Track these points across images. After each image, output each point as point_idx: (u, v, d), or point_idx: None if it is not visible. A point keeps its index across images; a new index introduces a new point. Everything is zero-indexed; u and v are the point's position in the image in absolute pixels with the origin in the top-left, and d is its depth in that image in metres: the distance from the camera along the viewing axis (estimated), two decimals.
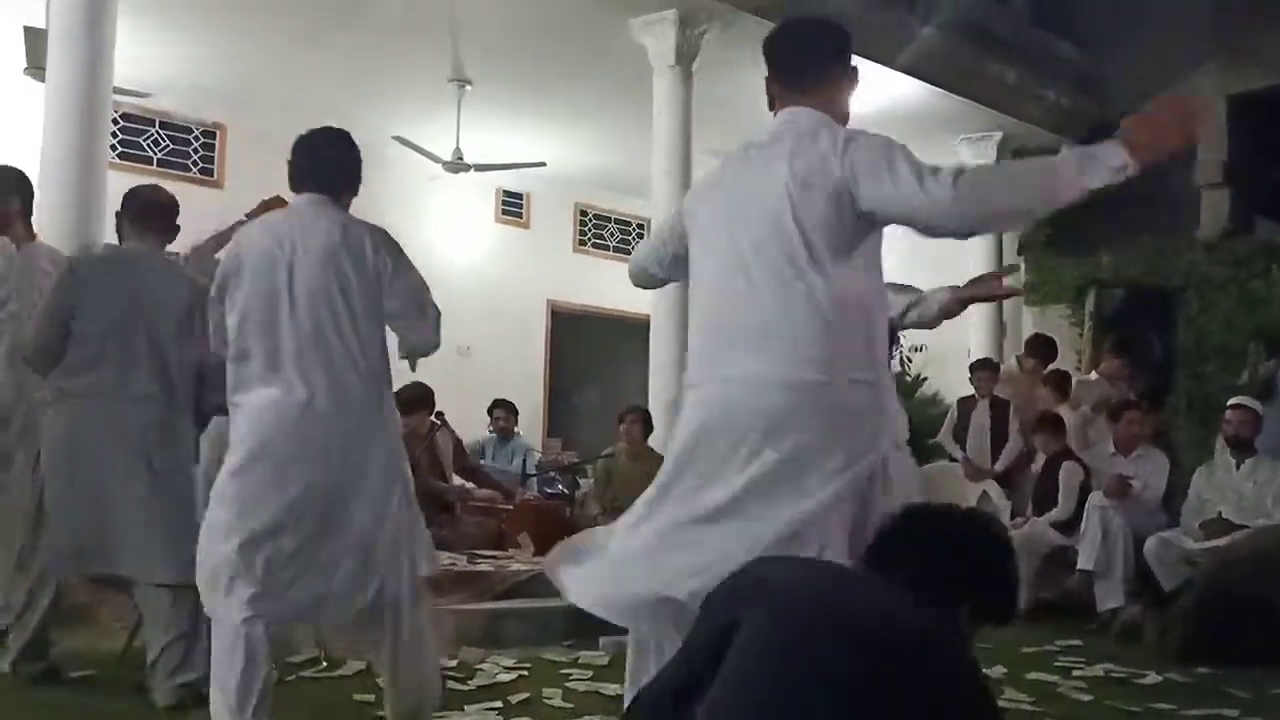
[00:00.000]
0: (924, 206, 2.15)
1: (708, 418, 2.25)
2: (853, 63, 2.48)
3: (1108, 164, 2.07)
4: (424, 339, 3.05)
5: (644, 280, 2.78)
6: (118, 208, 4.02)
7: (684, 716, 1.67)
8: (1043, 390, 7.00)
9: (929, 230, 2.22)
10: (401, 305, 2.97)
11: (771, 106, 2.50)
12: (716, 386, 2.27)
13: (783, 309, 2.20)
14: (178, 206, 4.01)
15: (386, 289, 2.93)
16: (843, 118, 2.42)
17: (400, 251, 2.99)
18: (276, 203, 4.60)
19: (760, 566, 1.85)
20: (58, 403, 3.60)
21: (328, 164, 3.11)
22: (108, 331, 3.56)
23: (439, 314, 3.09)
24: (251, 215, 4.52)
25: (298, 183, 3.10)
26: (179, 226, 4.06)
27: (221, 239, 4.46)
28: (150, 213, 3.88)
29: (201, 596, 2.89)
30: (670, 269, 2.64)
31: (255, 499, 2.81)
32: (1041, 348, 7.58)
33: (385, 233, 3.01)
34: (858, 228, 2.24)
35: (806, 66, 2.48)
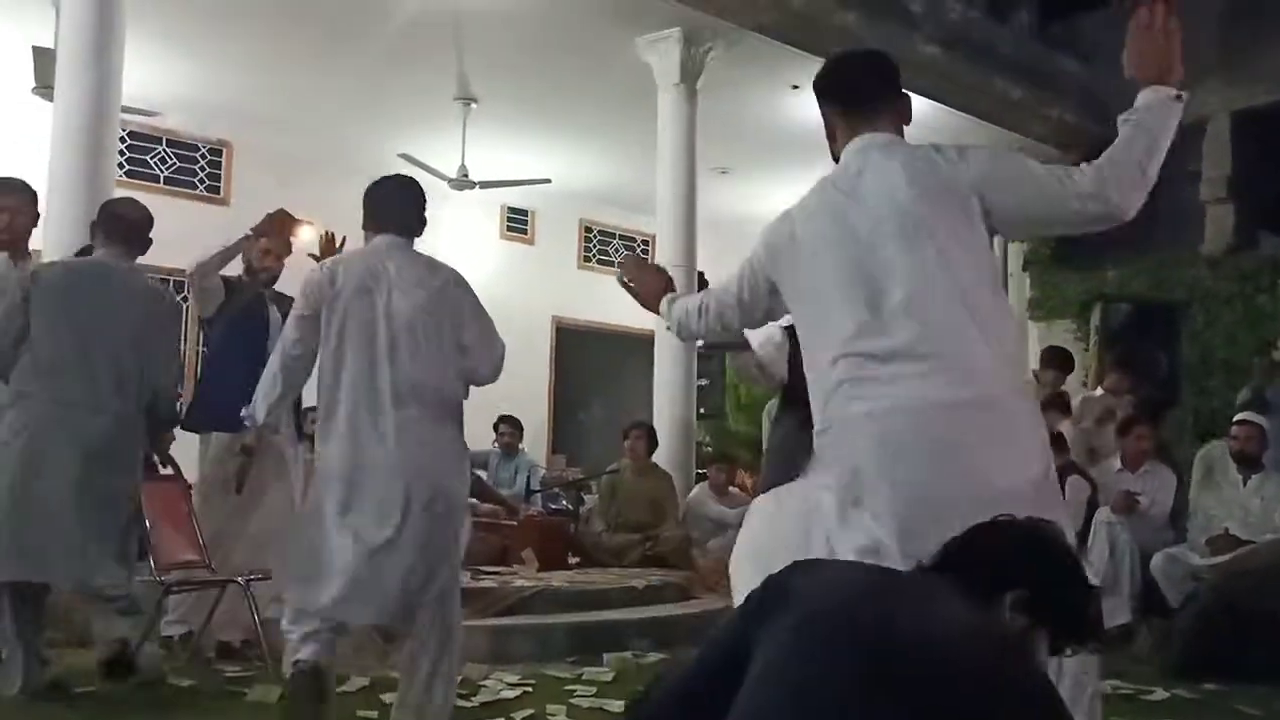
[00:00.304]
0: (1075, 201, 2.17)
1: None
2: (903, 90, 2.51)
3: (1166, 99, 2.29)
4: (491, 370, 3.34)
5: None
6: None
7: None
8: (1048, 412, 6.97)
9: (1073, 226, 2.27)
10: (475, 339, 3.27)
11: (832, 140, 2.50)
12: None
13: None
14: (150, 221, 4.13)
15: (465, 324, 3.24)
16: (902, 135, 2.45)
17: (473, 291, 3.33)
18: (282, 216, 4.64)
19: (793, 572, 1.65)
20: (17, 405, 3.66)
21: (406, 210, 3.36)
22: (70, 341, 3.67)
23: (504, 350, 3.39)
24: (257, 230, 4.57)
25: (378, 225, 3.33)
26: (151, 240, 4.15)
27: (228, 254, 4.51)
28: (119, 226, 4.04)
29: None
30: (761, 322, 2.64)
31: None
32: (1058, 359, 7.51)
33: (460, 274, 3.35)
34: (986, 236, 2.24)
35: (871, 96, 2.47)
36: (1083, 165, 2.18)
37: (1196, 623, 4.85)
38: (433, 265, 3.29)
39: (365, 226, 3.35)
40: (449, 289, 3.24)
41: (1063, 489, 6.06)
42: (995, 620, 1.56)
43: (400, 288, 3.15)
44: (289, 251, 4.80)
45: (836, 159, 2.48)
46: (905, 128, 2.45)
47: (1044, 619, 1.60)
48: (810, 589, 1.55)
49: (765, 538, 2.68)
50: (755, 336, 3.38)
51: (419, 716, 3.17)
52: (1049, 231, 2.08)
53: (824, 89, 2.54)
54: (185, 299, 9.21)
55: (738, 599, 2.01)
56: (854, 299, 2.21)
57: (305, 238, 4.68)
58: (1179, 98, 2.15)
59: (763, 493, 3.25)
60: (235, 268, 4.80)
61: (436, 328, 3.16)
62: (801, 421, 2.50)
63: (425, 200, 3.40)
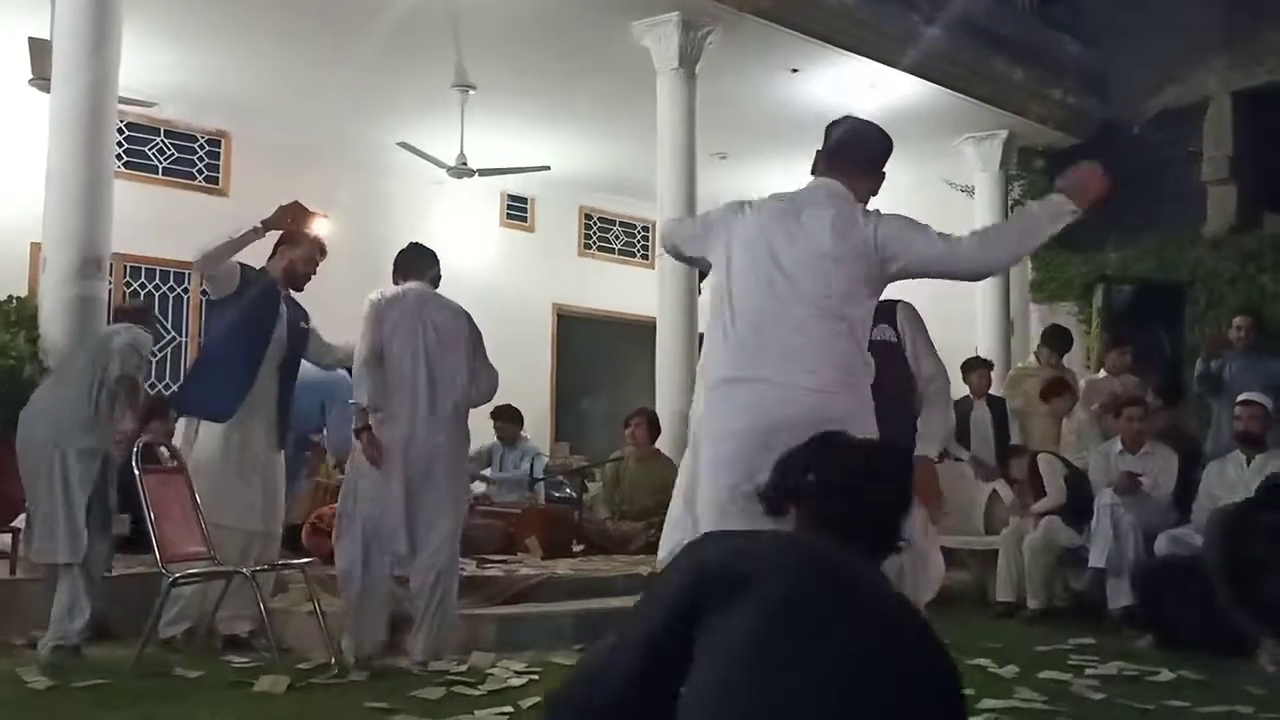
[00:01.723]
0: (950, 258, 2.87)
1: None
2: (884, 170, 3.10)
3: (1064, 210, 2.81)
4: (488, 391, 4.61)
5: (671, 252, 3.46)
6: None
7: (654, 709, 1.55)
8: (1049, 401, 6.93)
9: (949, 276, 2.94)
10: (479, 367, 4.53)
11: (814, 171, 3.04)
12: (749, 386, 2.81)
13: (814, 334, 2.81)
14: None
15: (473, 354, 4.50)
16: (865, 202, 2.99)
17: (479, 332, 4.56)
18: (295, 209, 4.62)
19: (717, 547, 1.72)
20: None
21: (430, 268, 4.63)
22: None
23: (497, 378, 4.62)
24: (268, 223, 4.55)
25: (408, 276, 4.56)
26: None
27: (234, 245, 4.49)
28: None
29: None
30: (695, 259, 3.35)
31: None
32: (1055, 338, 7.51)
33: (471, 316, 4.55)
34: (881, 276, 2.88)
35: (858, 161, 3.03)
36: (970, 232, 2.92)
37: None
38: (456, 310, 4.54)
39: (396, 277, 4.57)
40: (465, 328, 4.51)
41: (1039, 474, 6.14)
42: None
43: (437, 326, 4.43)
44: (324, 254, 4.82)
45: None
46: (866, 200, 3.01)
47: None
48: (754, 570, 1.60)
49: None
50: None
51: None
52: (940, 277, 2.93)
53: (831, 137, 3.09)
54: (173, 288, 9.23)
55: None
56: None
57: (321, 230, 4.65)
58: (1074, 213, 2.80)
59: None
60: (248, 257, 4.76)
61: (458, 355, 4.44)
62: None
63: (438, 260, 4.65)
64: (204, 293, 8.73)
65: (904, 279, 2.89)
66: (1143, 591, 5.34)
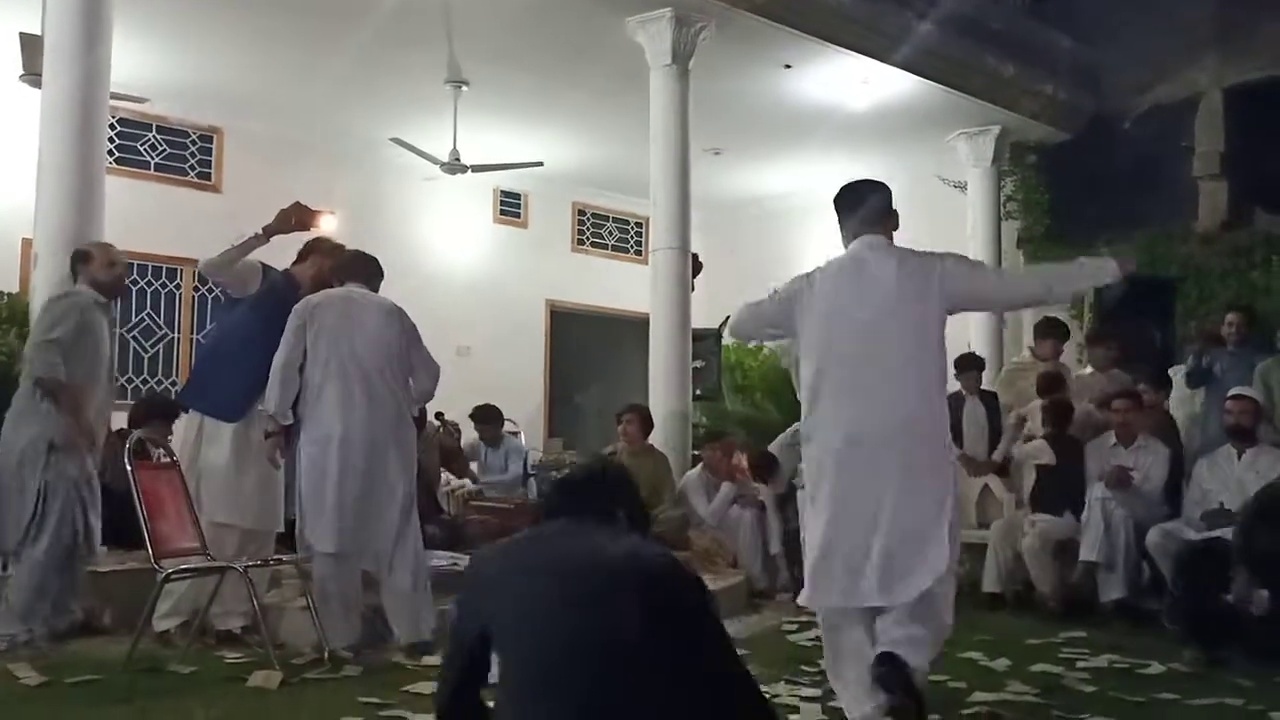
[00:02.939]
0: (1003, 292, 3.70)
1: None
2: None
3: (1105, 274, 3.46)
4: (429, 386, 4.69)
5: (745, 339, 4.02)
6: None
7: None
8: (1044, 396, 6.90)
9: (1001, 308, 3.66)
10: (417, 364, 4.59)
11: (852, 235, 3.55)
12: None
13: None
14: None
15: (411, 352, 4.55)
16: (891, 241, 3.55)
17: (415, 328, 4.61)
18: (297, 210, 4.61)
19: (482, 566, 2.18)
20: None
21: (370, 270, 4.66)
22: None
23: (438, 371, 4.67)
24: (269, 229, 4.55)
25: (347, 277, 4.61)
26: None
27: (237, 253, 4.49)
28: None
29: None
30: (774, 336, 3.88)
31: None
32: (1056, 330, 7.44)
33: (406, 314, 4.59)
34: (949, 309, 3.43)
35: (878, 214, 3.55)
36: (1023, 270, 3.44)
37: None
38: (388, 308, 4.56)
39: (337, 278, 4.62)
40: (399, 326, 4.54)
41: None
42: (624, 531, 2.15)
43: (363, 327, 4.48)
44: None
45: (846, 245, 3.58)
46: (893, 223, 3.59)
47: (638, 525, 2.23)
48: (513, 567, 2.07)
49: None
50: None
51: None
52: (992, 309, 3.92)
53: (843, 203, 3.58)
54: (165, 284, 9.21)
55: None
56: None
57: (326, 228, 4.64)
58: (1114, 280, 3.45)
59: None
60: (267, 256, 4.76)
61: (391, 354, 4.51)
62: None
63: (379, 264, 4.70)
64: (210, 290, 8.76)
65: (964, 311, 3.54)
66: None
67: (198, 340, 9.03)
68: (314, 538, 4.37)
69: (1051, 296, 3.63)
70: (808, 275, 3.53)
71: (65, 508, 4.38)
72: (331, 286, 4.64)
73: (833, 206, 3.62)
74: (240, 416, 4.50)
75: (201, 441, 4.54)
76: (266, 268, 4.66)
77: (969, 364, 7.13)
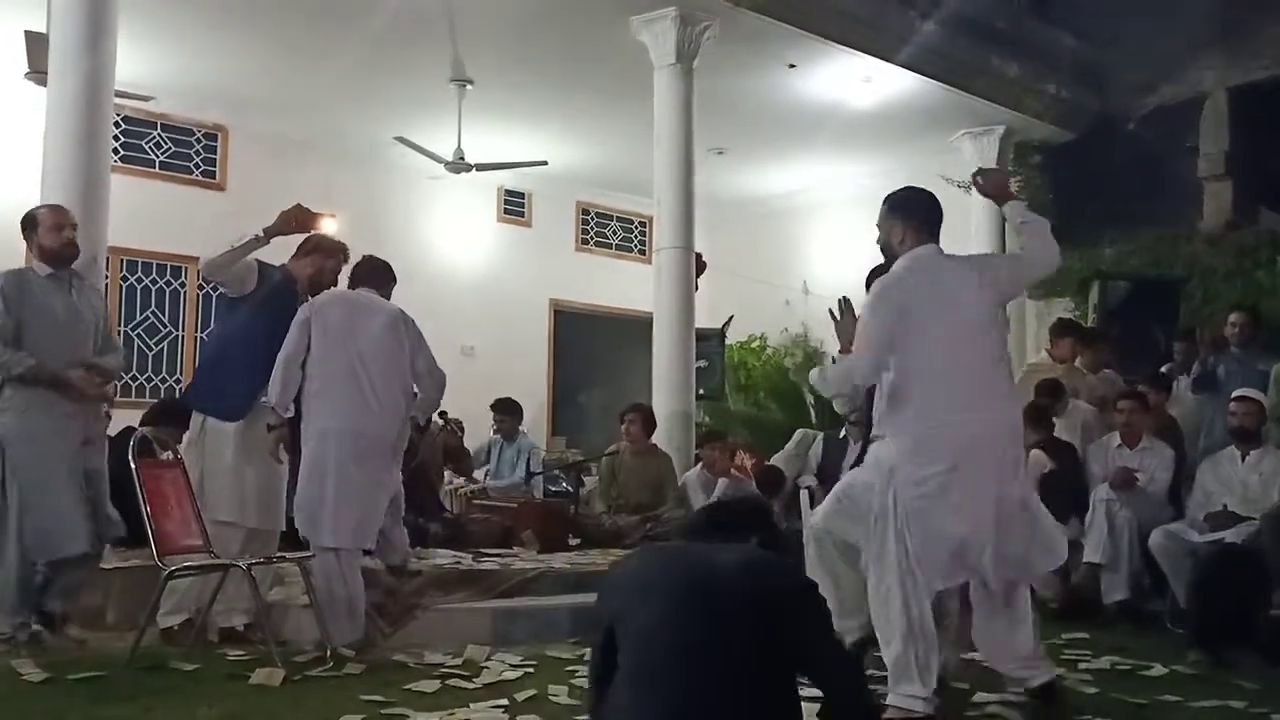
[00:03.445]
0: (1030, 266, 3.82)
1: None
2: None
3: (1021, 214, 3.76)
4: (435, 393, 4.71)
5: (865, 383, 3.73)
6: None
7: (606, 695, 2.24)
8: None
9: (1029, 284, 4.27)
10: (423, 370, 4.61)
11: (898, 241, 3.68)
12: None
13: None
14: None
15: (415, 355, 4.58)
16: None
17: (420, 335, 4.64)
18: (297, 212, 4.61)
19: (622, 564, 2.46)
20: None
21: (381, 276, 4.73)
22: None
23: (444, 378, 4.68)
24: (270, 231, 4.54)
25: (360, 283, 4.70)
26: None
27: (237, 253, 4.47)
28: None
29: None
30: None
31: None
32: (1068, 330, 7.39)
33: (413, 321, 4.62)
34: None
35: (936, 222, 3.73)
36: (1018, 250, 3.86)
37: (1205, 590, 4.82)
38: (395, 313, 4.59)
39: (351, 283, 4.74)
40: (404, 330, 4.57)
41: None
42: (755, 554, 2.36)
43: (369, 330, 4.51)
44: (347, 259, 4.84)
45: (891, 251, 3.69)
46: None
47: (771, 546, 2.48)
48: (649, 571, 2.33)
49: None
50: None
51: None
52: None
53: (904, 209, 3.71)
54: (170, 282, 9.22)
55: None
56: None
57: (327, 228, 4.63)
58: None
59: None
60: (266, 254, 4.75)
61: (397, 356, 4.56)
62: None
63: (391, 269, 4.76)
64: (214, 289, 8.76)
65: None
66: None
67: (202, 338, 9.05)
68: (313, 533, 4.37)
69: (1051, 254, 3.73)
70: (889, 287, 3.57)
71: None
72: (329, 286, 4.67)
73: (891, 210, 3.69)
74: (243, 416, 4.50)
75: (205, 441, 4.54)
76: (263, 266, 4.64)
77: None
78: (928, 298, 3.54)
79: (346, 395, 4.40)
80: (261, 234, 4.53)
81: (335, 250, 4.79)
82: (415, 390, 4.62)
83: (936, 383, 3.48)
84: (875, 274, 3.84)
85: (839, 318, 3.68)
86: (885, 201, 3.74)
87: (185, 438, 4.70)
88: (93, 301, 4.62)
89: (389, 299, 4.69)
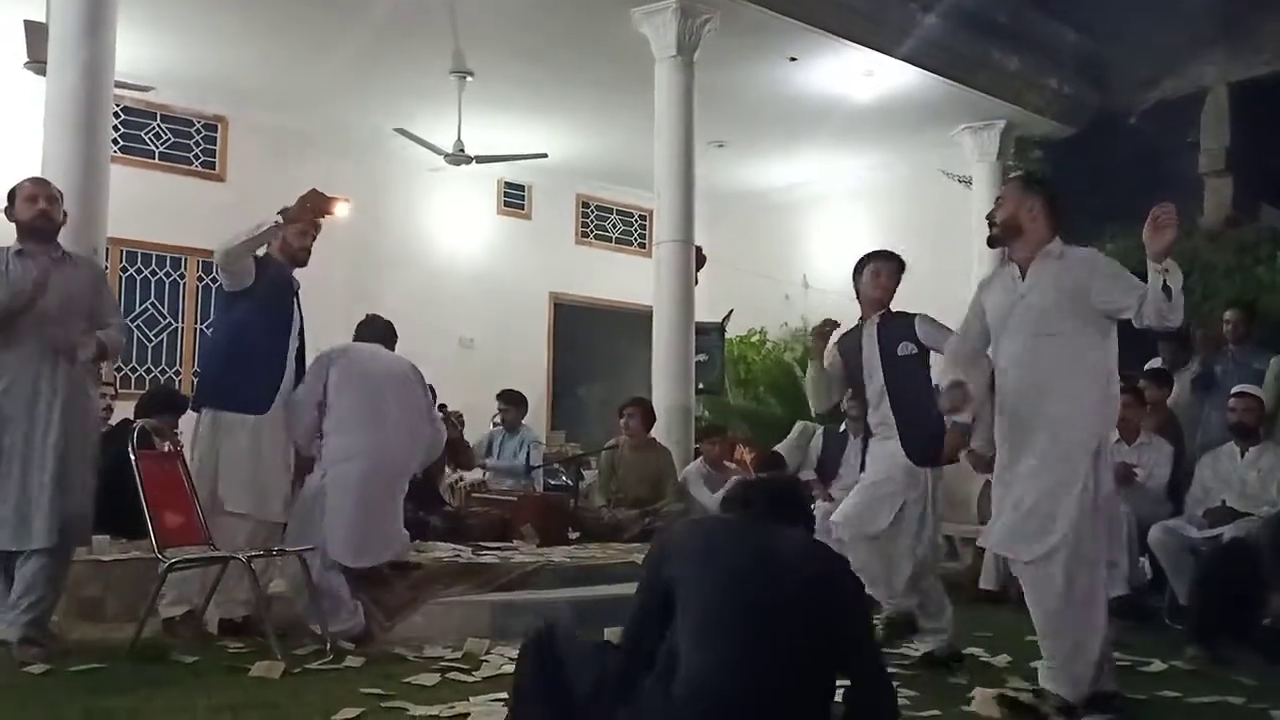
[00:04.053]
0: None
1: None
2: None
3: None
4: (435, 448, 5.05)
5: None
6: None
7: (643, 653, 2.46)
8: None
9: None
10: (430, 417, 4.95)
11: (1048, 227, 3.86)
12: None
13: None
14: None
15: (427, 406, 4.92)
16: None
17: (429, 388, 4.96)
18: (314, 197, 4.56)
19: (679, 534, 2.68)
20: None
21: (386, 333, 4.99)
22: None
23: (444, 434, 5.14)
24: (289, 216, 4.49)
25: (366, 338, 4.94)
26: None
27: (255, 240, 4.44)
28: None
29: None
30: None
31: None
32: None
33: (422, 376, 4.89)
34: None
35: None
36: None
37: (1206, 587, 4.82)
38: (407, 366, 4.86)
39: (357, 337, 4.96)
40: (416, 380, 4.85)
41: None
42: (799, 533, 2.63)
43: (392, 375, 4.79)
44: (319, 229, 4.78)
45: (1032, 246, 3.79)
46: None
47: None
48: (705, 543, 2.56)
49: None
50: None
51: None
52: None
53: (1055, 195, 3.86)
54: (169, 274, 9.21)
55: None
56: None
57: (340, 214, 4.60)
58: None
59: None
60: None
61: (416, 401, 4.83)
62: None
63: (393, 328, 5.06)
64: (213, 279, 8.74)
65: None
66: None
67: (201, 330, 9.04)
68: (335, 551, 4.46)
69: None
70: (981, 286, 3.88)
71: None
72: (298, 255, 4.73)
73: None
74: (268, 408, 4.52)
75: (219, 435, 4.51)
76: (259, 258, 4.63)
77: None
78: (1008, 308, 3.78)
79: (371, 427, 4.58)
80: (279, 219, 4.48)
81: (294, 219, 4.57)
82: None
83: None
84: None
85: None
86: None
87: (194, 432, 4.68)
88: (84, 279, 4.22)
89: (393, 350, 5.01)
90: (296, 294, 4.73)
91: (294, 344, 4.68)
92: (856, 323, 4.48)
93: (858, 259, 4.52)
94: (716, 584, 2.39)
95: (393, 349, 4.98)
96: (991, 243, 4.02)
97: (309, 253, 4.77)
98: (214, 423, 4.52)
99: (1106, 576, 5.57)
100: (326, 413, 4.59)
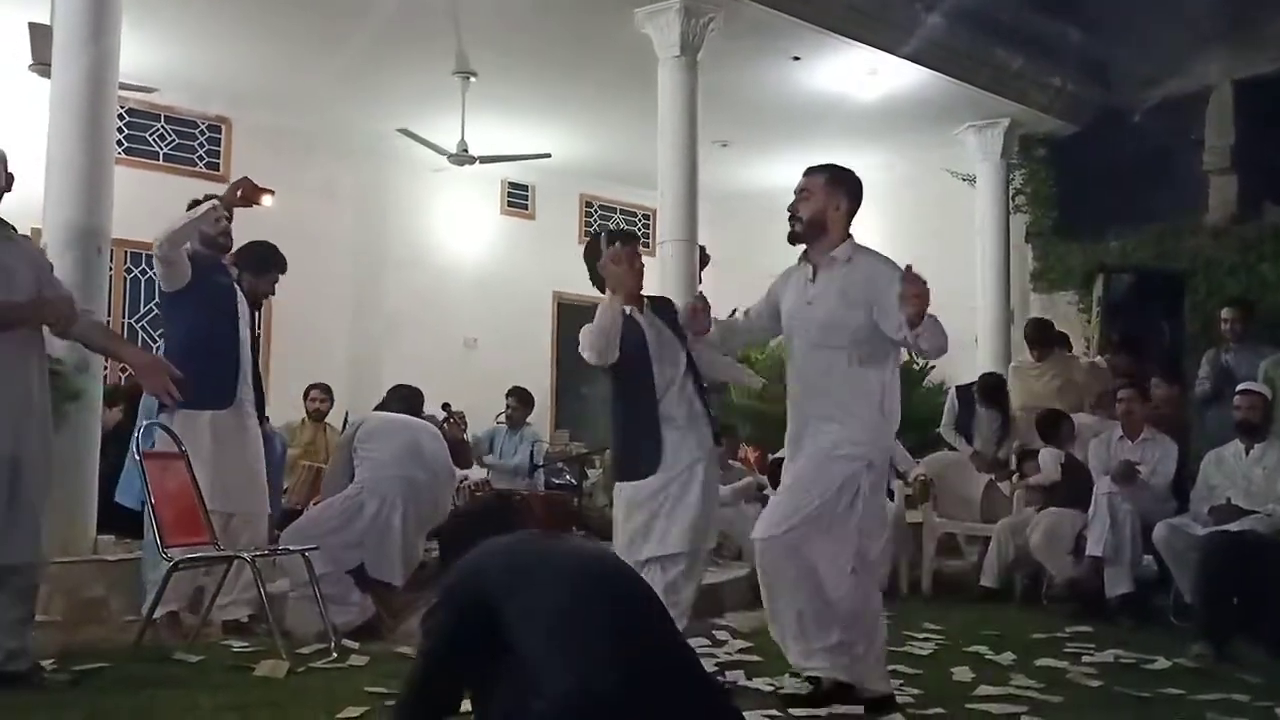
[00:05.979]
0: None
1: None
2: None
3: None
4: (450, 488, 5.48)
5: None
6: None
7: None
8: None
9: None
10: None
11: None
12: None
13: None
14: None
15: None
16: None
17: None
18: (244, 184, 4.62)
19: (485, 563, 2.37)
20: None
21: (412, 404, 5.41)
22: None
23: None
24: (225, 200, 4.55)
25: (393, 407, 5.34)
26: None
27: (196, 223, 4.47)
28: None
29: None
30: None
31: None
32: (1034, 332, 7.57)
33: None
34: None
35: None
36: None
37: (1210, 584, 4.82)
38: (433, 430, 5.34)
39: (387, 406, 5.38)
40: (441, 441, 5.31)
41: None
42: None
43: (426, 432, 5.25)
44: (230, 216, 4.79)
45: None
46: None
47: None
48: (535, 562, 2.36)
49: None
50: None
51: None
52: None
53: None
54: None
55: None
56: None
57: (267, 204, 4.65)
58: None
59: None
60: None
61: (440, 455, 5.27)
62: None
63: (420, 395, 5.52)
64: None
65: None
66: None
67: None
68: (380, 572, 4.76)
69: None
70: None
71: None
72: (215, 242, 4.73)
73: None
74: (231, 402, 4.57)
75: (186, 435, 4.50)
76: (192, 254, 4.62)
77: (993, 385, 7.28)
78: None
79: (402, 455, 4.96)
80: (217, 203, 4.53)
81: (231, 204, 4.61)
82: None
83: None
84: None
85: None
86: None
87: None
88: (18, 252, 3.75)
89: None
90: (237, 281, 4.76)
91: (244, 332, 4.69)
92: None
93: None
94: (566, 588, 2.25)
95: (420, 409, 5.44)
96: (792, 240, 3.68)
97: (230, 235, 4.81)
98: (182, 423, 4.49)
99: (1110, 574, 5.64)
100: (359, 461, 4.98)
